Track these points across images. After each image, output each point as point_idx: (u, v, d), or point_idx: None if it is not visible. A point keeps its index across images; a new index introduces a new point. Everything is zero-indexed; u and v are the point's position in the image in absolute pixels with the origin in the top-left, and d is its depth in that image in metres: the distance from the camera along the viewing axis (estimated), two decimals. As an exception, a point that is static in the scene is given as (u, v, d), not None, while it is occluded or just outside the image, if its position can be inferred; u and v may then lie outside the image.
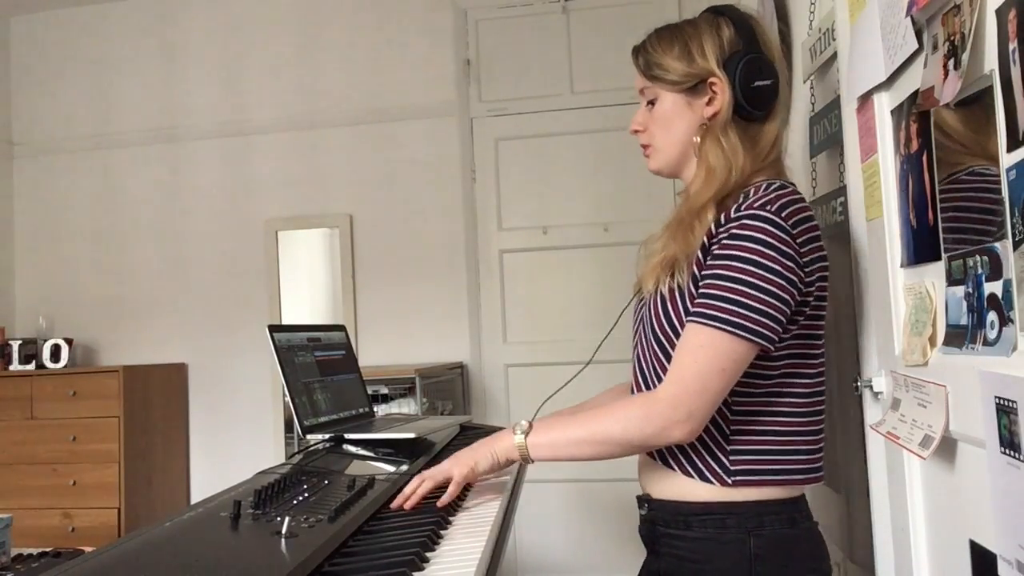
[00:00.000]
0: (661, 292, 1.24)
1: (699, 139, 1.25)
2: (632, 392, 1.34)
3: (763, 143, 1.25)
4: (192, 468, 3.73)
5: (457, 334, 3.52)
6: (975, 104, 0.85)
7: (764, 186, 1.20)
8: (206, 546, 0.98)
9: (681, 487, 1.23)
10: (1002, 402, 0.75)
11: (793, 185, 1.23)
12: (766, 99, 1.24)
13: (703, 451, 1.21)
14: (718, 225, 1.18)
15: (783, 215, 1.14)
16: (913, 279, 1.08)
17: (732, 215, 1.17)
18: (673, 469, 1.23)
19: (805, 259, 1.14)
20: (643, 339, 1.30)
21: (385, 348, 3.56)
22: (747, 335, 1.12)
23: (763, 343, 1.13)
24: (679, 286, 1.21)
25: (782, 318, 1.14)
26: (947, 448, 0.96)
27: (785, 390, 1.20)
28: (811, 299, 1.18)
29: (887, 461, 1.20)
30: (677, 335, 1.20)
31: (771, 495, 1.19)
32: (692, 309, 1.17)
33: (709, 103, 1.25)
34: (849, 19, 1.30)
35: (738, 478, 1.19)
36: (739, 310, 1.12)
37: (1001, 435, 0.76)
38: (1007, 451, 0.75)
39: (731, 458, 1.19)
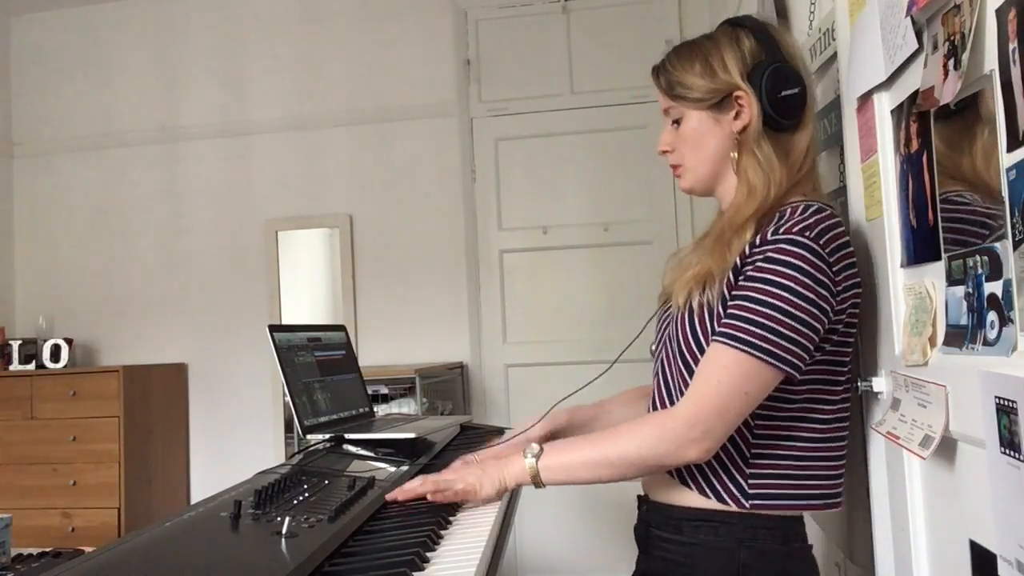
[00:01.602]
0: (690, 306, 1.21)
1: (736, 155, 1.23)
2: (652, 406, 1.31)
3: (796, 153, 1.23)
4: (192, 468, 3.73)
5: (457, 334, 3.52)
6: (960, 122, 0.86)
7: (801, 208, 1.17)
8: (206, 546, 0.98)
9: (687, 498, 1.22)
10: (1002, 402, 0.75)
11: (832, 207, 1.20)
12: (795, 108, 1.22)
13: (722, 472, 1.19)
14: (752, 246, 1.16)
15: (821, 242, 1.11)
16: (913, 279, 1.08)
17: (769, 237, 1.14)
18: (691, 488, 1.21)
19: (839, 287, 1.13)
20: (668, 354, 1.27)
21: (385, 348, 3.56)
22: (775, 362, 1.10)
23: (790, 371, 1.12)
24: (708, 303, 1.19)
25: (810, 346, 1.12)
26: (947, 448, 0.96)
27: (808, 415, 1.18)
28: (840, 326, 1.16)
29: (887, 461, 1.20)
30: (703, 352, 1.17)
31: (775, 512, 1.18)
32: (719, 329, 1.14)
33: (736, 117, 1.23)
34: (849, 19, 1.29)
35: (756, 501, 1.17)
36: (770, 336, 1.10)
37: (1001, 435, 0.75)
38: (1007, 451, 0.75)
39: (750, 481, 1.18)
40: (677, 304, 1.24)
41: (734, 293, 1.15)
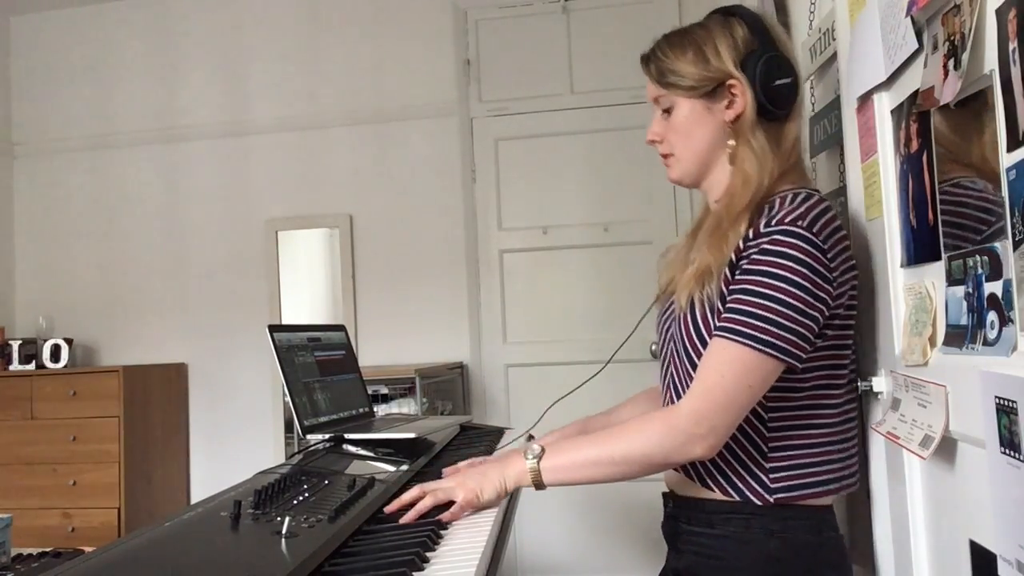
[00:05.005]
0: (692, 304, 1.20)
1: (734, 143, 1.22)
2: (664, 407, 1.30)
3: (787, 143, 1.22)
4: (192, 468, 3.73)
5: (457, 334, 3.52)
6: (968, 110, 0.85)
7: (790, 197, 1.17)
8: (206, 546, 0.98)
9: (714, 494, 1.20)
10: (1002, 402, 0.75)
11: (819, 192, 1.21)
12: (787, 98, 1.21)
13: (742, 470, 1.18)
14: (746, 240, 1.15)
15: (814, 229, 1.11)
16: (913, 279, 1.08)
17: (762, 229, 1.14)
18: (713, 490, 1.20)
19: (835, 273, 1.12)
20: (674, 355, 1.26)
21: (385, 348, 3.56)
22: (776, 353, 1.10)
23: (791, 361, 1.11)
24: (708, 299, 1.18)
25: (810, 335, 1.12)
26: (947, 448, 0.96)
27: (819, 402, 1.18)
28: (840, 311, 1.16)
29: (887, 461, 1.20)
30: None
31: (801, 501, 1.18)
32: (719, 324, 1.14)
33: (729, 106, 1.22)
34: (849, 19, 1.29)
35: (780, 496, 1.17)
36: (769, 327, 1.09)
37: (1001, 435, 0.76)
38: (1007, 451, 0.75)
39: (771, 476, 1.17)
40: (680, 304, 1.23)
41: (732, 287, 1.15)
